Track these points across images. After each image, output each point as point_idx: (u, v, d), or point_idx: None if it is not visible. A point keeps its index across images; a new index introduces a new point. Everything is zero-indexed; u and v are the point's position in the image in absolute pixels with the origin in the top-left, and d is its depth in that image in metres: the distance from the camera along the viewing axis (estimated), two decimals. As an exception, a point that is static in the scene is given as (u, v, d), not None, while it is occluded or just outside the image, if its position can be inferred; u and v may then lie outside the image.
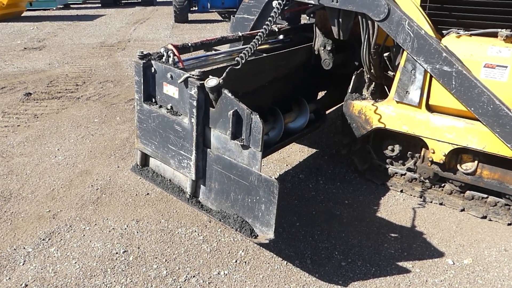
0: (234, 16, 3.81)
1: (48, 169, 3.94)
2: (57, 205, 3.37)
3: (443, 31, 3.10)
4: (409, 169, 3.51)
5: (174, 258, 2.77)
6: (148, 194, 3.53)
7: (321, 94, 4.43)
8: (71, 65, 7.70)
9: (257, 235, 2.46)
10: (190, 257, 2.78)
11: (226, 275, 2.62)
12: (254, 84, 3.29)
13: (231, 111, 2.39)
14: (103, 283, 2.56)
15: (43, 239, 2.96)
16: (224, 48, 3.52)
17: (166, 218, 3.20)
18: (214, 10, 13.30)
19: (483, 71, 2.82)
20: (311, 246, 2.87)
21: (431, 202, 3.36)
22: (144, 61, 2.73)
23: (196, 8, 13.52)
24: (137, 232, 3.04)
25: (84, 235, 3.00)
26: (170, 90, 2.70)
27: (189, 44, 3.06)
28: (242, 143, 2.42)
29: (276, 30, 3.81)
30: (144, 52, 2.77)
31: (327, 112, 4.18)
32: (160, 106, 2.80)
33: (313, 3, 3.23)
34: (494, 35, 2.87)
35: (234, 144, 2.46)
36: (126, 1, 18.12)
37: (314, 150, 4.26)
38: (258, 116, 2.33)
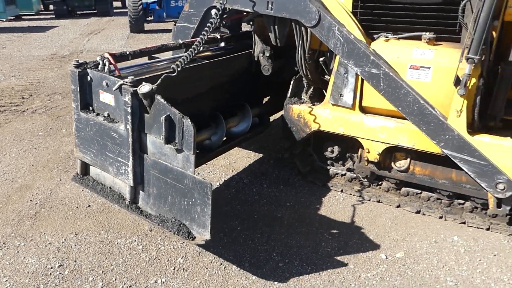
0: (175, 24, 3.82)
1: (-14, 185, 3.81)
2: (-8, 222, 3.25)
3: (374, 35, 3.21)
4: (349, 169, 3.61)
5: (111, 269, 2.73)
6: (89, 206, 3.46)
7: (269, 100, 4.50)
8: (18, 78, 7.48)
9: (195, 237, 2.51)
10: (128, 267, 2.75)
11: (163, 283, 2.61)
12: (196, 90, 3.34)
13: (163, 116, 2.43)
14: (34, 298, 2.49)
15: (-25, 258, 2.85)
16: (168, 56, 3.53)
17: (106, 230, 3.14)
18: (170, 20, 13.26)
19: (409, 72, 2.95)
20: (250, 249, 2.89)
21: (369, 200, 3.46)
22: (79, 70, 2.75)
23: (152, 18, 13.44)
24: (75, 245, 2.98)
25: (18, 252, 2.91)
26: (106, 98, 2.72)
27: (127, 52, 3.08)
28: (176, 147, 2.47)
29: (218, 37, 3.85)
30: (80, 61, 2.80)
31: (276, 117, 4.25)
32: (98, 114, 2.82)
33: (249, 10, 3.29)
34: (419, 38, 3.01)
35: (169, 148, 2.51)
36: (82, 12, 17.78)
37: (260, 155, 4.30)
38: (189, 120, 2.39)
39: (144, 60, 3.42)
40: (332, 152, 3.58)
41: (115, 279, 2.64)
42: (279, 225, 3.16)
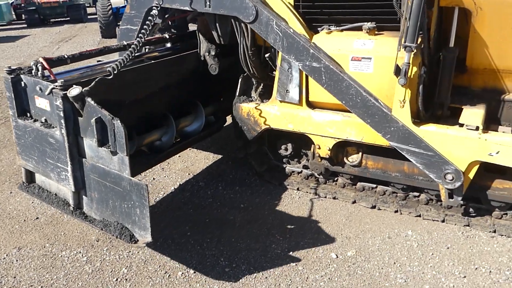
0: (118, 27, 3.72)
1: None
2: None
3: (318, 28, 3.13)
4: (304, 167, 3.53)
5: (51, 284, 2.62)
6: (37, 218, 3.34)
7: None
8: (-19, 90, 7.29)
9: (137, 240, 2.47)
10: (69, 281, 2.64)
11: (108, 297, 2.50)
12: (145, 91, 3.29)
13: (94, 118, 2.39)
14: (-36, 321, 2.37)
15: None
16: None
17: (51, 242, 3.03)
18: (143, 24, 13.07)
19: (351, 64, 2.87)
20: (198, 255, 2.80)
21: (325, 197, 3.39)
22: (12, 76, 2.71)
23: (124, 23, 13.25)
24: (17, 261, 2.85)
25: (-44, 271, 2.79)
26: (42, 103, 2.68)
27: (66, 56, 3.04)
28: (110, 149, 2.41)
29: (167, 37, 3.76)
30: (13, 67, 2.75)
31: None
32: (35, 120, 2.78)
33: (188, 9, 3.19)
34: (361, 28, 2.93)
35: (104, 151, 2.46)
36: (54, 20, 17.51)
37: (219, 156, 4.21)
38: (119, 121, 2.34)
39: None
40: (286, 149, 3.51)
41: (57, 295, 2.53)
42: (230, 228, 3.07)
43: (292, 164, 3.59)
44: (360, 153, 3.19)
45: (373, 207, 3.22)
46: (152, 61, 3.42)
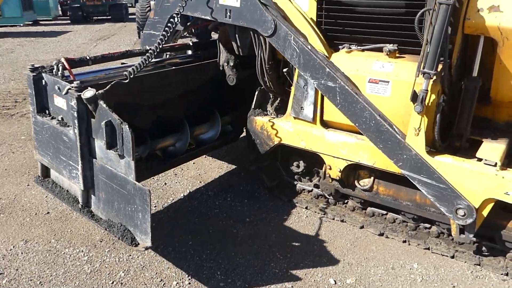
0: (142, 32, 3.78)
1: (-46, 187, 3.81)
2: None
3: (339, 46, 3.08)
4: (315, 186, 3.47)
5: (49, 280, 2.66)
6: (48, 213, 3.42)
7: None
8: (17, 82, 7.58)
9: (138, 243, 2.50)
10: (67, 279, 2.67)
11: (98, 299, 2.52)
12: (162, 97, 3.33)
13: (104, 121, 2.44)
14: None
15: None
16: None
17: (57, 238, 3.08)
18: (180, 26, 13.31)
19: (368, 86, 2.80)
20: (196, 266, 2.78)
21: (333, 219, 3.31)
22: (34, 74, 2.81)
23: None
24: (22, 253, 2.92)
25: (-36, 256, 2.88)
26: (59, 102, 2.76)
27: (88, 58, 3.11)
28: (118, 153, 2.45)
29: (191, 44, 3.81)
30: (36, 65, 2.85)
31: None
32: (53, 118, 2.87)
33: (209, 18, 3.20)
34: (382, 50, 2.86)
35: (113, 154, 2.50)
36: (97, 17, 18.09)
37: (233, 167, 4.19)
38: (127, 126, 2.37)
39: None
40: (298, 167, 3.45)
41: (50, 292, 2.57)
42: (231, 242, 3.04)
43: (303, 182, 3.53)
44: (372, 178, 3.10)
45: (381, 234, 3.12)
46: (172, 68, 3.46)
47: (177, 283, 2.63)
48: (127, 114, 2.56)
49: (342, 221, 3.28)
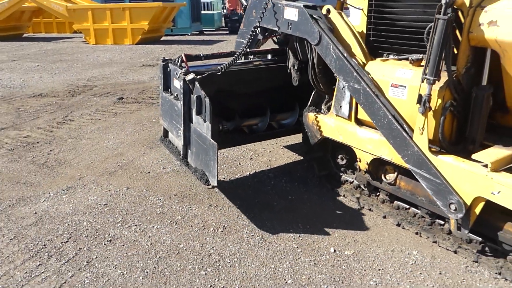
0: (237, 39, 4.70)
1: (98, 149, 5.28)
2: (86, 172, 4.61)
3: (384, 55, 3.52)
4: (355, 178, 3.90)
5: (131, 213, 3.72)
6: (149, 172, 4.57)
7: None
8: (167, 79, 9.33)
9: (210, 184, 3.47)
10: (142, 215, 3.70)
11: (157, 228, 3.47)
12: (251, 88, 4.30)
13: (195, 96, 3.50)
14: (72, 220, 3.62)
15: (63, 190, 4.19)
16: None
17: (147, 189, 4.18)
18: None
19: (390, 90, 3.20)
20: (232, 221, 3.54)
21: (363, 207, 3.70)
22: (163, 63, 4.09)
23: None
24: (122, 195, 4.07)
25: (88, 191, 4.15)
26: (176, 83, 3.93)
27: (201, 55, 4.21)
28: (203, 118, 3.47)
29: (273, 50, 4.62)
30: (166, 58, 4.14)
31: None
32: (171, 94, 4.07)
33: (276, 29, 3.94)
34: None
35: (200, 119, 3.52)
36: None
37: (300, 158, 4.82)
38: (208, 99, 3.40)
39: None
40: (342, 159, 3.94)
41: (130, 219, 3.62)
42: (268, 211, 3.71)
43: (347, 174, 3.99)
44: (396, 173, 3.44)
45: (398, 224, 3.43)
46: (261, 66, 4.40)
47: (213, 229, 3.43)
48: (224, 98, 3.85)
49: (369, 210, 3.67)
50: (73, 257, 3.11)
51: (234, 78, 4.12)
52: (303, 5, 3.62)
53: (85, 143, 5.49)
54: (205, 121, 3.44)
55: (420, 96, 2.88)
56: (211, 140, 3.34)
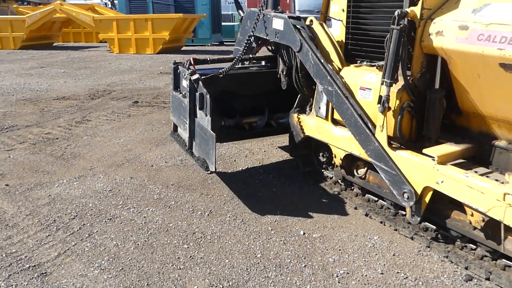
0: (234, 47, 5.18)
1: (110, 145, 5.81)
2: (97, 164, 5.13)
3: (358, 62, 3.92)
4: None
5: (131, 198, 4.19)
6: (152, 166, 5.05)
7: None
8: (181, 86, 9.90)
9: (209, 169, 3.95)
10: (141, 200, 4.16)
11: (152, 211, 3.93)
12: (253, 89, 4.82)
13: (199, 93, 4.02)
14: (80, 202, 4.12)
15: (75, 178, 4.71)
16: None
17: (149, 179, 4.65)
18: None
19: (359, 92, 3.60)
20: (218, 207, 3.97)
21: (338, 200, 4.08)
22: (174, 66, 4.68)
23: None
24: (126, 183, 4.56)
25: (97, 180, 4.66)
26: (184, 83, 4.45)
27: (208, 59, 4.83)
28: (204, 112, 3.98)
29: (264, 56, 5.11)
30: (177, 61, 4.72)
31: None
32: (180, 93, 4.62)
33: (266, 38, 4.40)
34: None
35: (202, 113, 4.04)
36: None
37: (291, 158, 5.22)
38: (209, 95, 3.91)
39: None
40: (323, 157, 4.33)
41: (130, 202, 4.09)
42: (253, 200, 4.12)
43: (327, 170, 4.38)
44: (366, 168, 3.81)
45: (366, 214, 3.79)
46: (261, 71, 4.94)
47: (201, 213, 3.87)
48: (227, 98, 4.43)
49: (344, 202, 4.04)
50: (77, 230, 3.59)
51: (236, 81, 4.69)
52: (288, 16, 4.07)
53: (98, 140, 6.04)
54: (206, 115, 3.95)
55: (380, 97, 3.26)
56: (211, 131, 3.83)
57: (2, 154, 5.46)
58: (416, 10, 3.10)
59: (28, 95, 9.08)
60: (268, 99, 4.85)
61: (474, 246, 3.09)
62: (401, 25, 3.05)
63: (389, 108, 3.25)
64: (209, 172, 3.99)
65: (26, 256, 3.22)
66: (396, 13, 3.04)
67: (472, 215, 2.91)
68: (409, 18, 3.11)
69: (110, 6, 25.18)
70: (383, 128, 3.31)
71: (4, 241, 3.42)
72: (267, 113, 4.86)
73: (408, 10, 3.10)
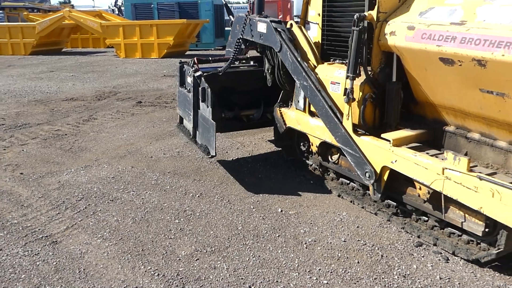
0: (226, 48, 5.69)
1: (114, 140, 6.34)
2: (102, 156, 5.65)
3: (331, 60, 4.40)
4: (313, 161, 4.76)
5: (132, 184, 4.70)
6: (151, 157, 5.56)
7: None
8: (182, 87, 10.43)
9: (210, 154, 4.48)
10: (141, 185, 4.66)
11: (149, 194, 4.43)
12: (249, 86, 5.35)
13: (201, 87, 4.55)
14: (86, 187, 4.63)
15: (82, 167, 5.24)
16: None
17: (148, 168, 5.16)
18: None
19: (330, 86, 4.08)
20: (208, 190, 4.46)
21: (316, 183, 4.54)
22: (180, 65, 5.28)
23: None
24: (127, 172, 5.07)
25: (101, 169, 5.18)
26: (188, 79, 5.01)
27: (210, 58, 5.44)
28: (206, 104, 4.49)
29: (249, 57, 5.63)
30: (182, 61, 5.28)
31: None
32: (185, 88, 5.18)
33: (252, 40, 4.90)
34: (349, 63, 4.08)
35: (204, 105, 4.56)
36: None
37: (278, 149, 5.70)
38: (210, 89, 4.46)
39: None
40: (304, 146, 4.81)
41: (130, 187, 4.60)
42: (239, 184, 4.61)
43: (308, 159, 4.85)
44: (339, 154, 4.28)
45: (339, 195, 4.25)
46: (257, 69, 5.44)
47: (192, 195, 4.36)
48: (227, 93, 5.02)
49: (321, 186, 4.51)
50: (83, 209, 4.10)
51: (234, 78, 5.25)
52: (270, 20, 4.57)
53: (103, 136, 6.56)
54: (207, 106, 4.48)
55: (345, 90, 3.74)
56: (212, 120, 4.38)
57: (17, 148, 6.01)
58: (373, 13, 3.58)
59: (39, 97, 9.67)
60: (263, 94, 5.35)
61: (426, 218, 3.55)
62: (360, 27, 3.52)
63: (354, 99, 3.72)
64: (210, 156, 4.53)
65: (39, 229, 3.73)
66: (355, 16, 3.52)
67: (420, 189, 3.38)
68: (368, 21, 3.59)
69: (117, 12, 25.92)
70: (349, 117, 3.78)
71: (20, 217, 3.94)
72: (262, 106, 5.38)
73: (366, 13, 3.57)
